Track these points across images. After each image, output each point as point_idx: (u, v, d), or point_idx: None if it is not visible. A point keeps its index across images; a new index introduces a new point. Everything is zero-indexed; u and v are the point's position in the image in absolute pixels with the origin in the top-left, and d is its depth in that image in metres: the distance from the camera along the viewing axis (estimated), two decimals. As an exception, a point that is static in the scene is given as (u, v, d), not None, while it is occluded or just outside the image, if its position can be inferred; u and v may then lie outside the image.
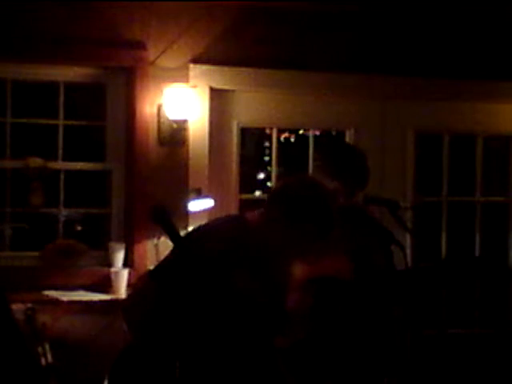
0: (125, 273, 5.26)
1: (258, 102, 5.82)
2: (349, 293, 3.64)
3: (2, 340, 1.94)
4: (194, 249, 2.93)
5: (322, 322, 3.46)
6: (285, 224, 3.02)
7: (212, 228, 3.21)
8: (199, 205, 5.35)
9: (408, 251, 5.34)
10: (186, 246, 2.92)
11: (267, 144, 6.09)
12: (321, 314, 3.53)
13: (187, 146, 5.52)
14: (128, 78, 5.50)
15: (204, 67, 5.55)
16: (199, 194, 5.38)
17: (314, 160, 3.90)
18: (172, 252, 3.14)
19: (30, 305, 4.06)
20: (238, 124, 5.78)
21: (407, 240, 5.58)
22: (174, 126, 5.44)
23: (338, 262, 3.73)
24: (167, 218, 3.09)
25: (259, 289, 3.10)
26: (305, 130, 6.18)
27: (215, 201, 5.38)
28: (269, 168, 6.13)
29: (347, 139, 5.99)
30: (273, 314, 3.17)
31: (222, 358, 3.04)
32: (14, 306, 3.71)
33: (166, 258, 3.15)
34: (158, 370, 2.98)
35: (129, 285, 5.23)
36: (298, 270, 3.68)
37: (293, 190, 3.06)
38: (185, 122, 5.47)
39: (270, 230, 3.06)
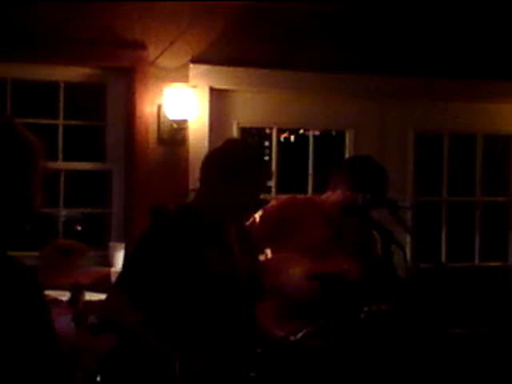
0: (125, 273, 5.25)
1: (257, 102, 5.82)
2: (350, 291, 3.66)
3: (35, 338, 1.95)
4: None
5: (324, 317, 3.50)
6: (224, 183, 3.12)
7: (165, 223, 3.23)
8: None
9: (408, 251, 5.34)
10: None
11: (267, 144, 6.09)
12: (323, 308, 3.56)
13: (187, 145, 5.52)
14: (128, 77, 5.50)
15: (204, 67, 5.55)
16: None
17: (337, 172, 3.94)
18: (133, 256, 3.17)
19: (75, 283, 4.06)
20: (238, 124, 5.79)
21: (407, 240, 5.58)
22: (174, 125, 5.44)
23: (344, 261, 3.76)
24: (160, 219, 3.11)
25: (228, 261, 3.15)
26: (305, 130, 6.18)
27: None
28: (269, 168, 6.13)
29: (347, 139, 6.00)
30: (248, 284, 3.22)
31: (208, 338, 3.06)
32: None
33: (129, 264, 3.16)
34: (149, 363, 2.99)
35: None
36: (305, 267, 3.71)
37: (217, 152, 3.24)
38: (185, 121, 5.47)
39: (215, 199, 3.16)
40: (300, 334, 3.26)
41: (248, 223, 3.89)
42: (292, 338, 3.26)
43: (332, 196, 3.89)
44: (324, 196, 3.97)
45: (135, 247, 3.17)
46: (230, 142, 3.34)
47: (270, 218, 3.89)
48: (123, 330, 3.08)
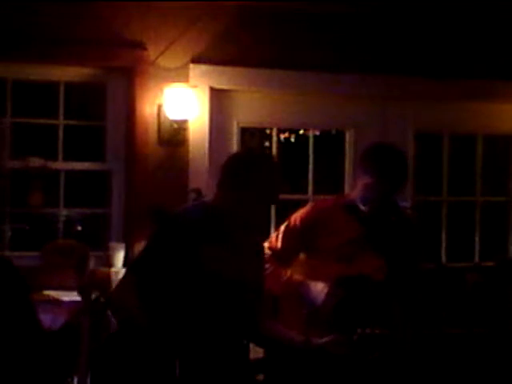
0: (125, 273, 5.26)
1: (258, 102, 5.82)
2: (378, 292, 3.68)
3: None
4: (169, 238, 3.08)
5: (344, 320, 3.51)
6: (231, 189, 3.16)
7: (179, 216, 3.24)
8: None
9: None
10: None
11: (267, 144, 6.09)
12: (345, 311, 3.57)
13: (187, 146, 5.52)
14: (128, 77, 5.50)
15: (204, 67, 5.55)
16: (199, 194, 5.38)
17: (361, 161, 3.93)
18: (148, 245, 3.20)
19: (81, 254, 4.08)
20: (238, 124, 5.79)
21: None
22: (174, 125, 5.44)
23: (373, 261, 3.77)
24: (166, 217, 3.11)
25: (233, 265, 3.16)
26: (305, 129, 6.18)
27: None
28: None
29: (347, 139, 6.00)
30: (250, 290, 3.23)
31: (203, 340, 3.07)
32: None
33: (143, 252, 3.20)
34: (141, 357, 3.00)
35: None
36: (335, 268, 3.72)
37: (235, 159, 3.29)
38: (185, 121, 5.47)
39: (229, 202, 3.17)
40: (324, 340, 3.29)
41: (286, 225, 3.93)
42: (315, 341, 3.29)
43: (356, 190, 3.87)
44: (353, 192, 3.95)
45: (151, 236, 3.21)
46: (244, 151, 3.41)
47: (305, 220, 3.90)
48: (125, 313, 3.10)
